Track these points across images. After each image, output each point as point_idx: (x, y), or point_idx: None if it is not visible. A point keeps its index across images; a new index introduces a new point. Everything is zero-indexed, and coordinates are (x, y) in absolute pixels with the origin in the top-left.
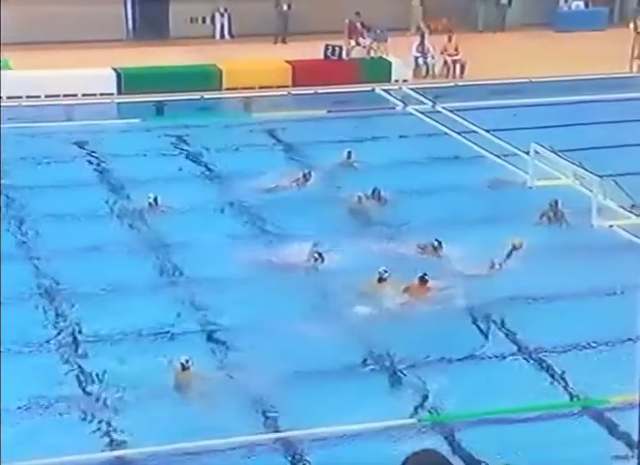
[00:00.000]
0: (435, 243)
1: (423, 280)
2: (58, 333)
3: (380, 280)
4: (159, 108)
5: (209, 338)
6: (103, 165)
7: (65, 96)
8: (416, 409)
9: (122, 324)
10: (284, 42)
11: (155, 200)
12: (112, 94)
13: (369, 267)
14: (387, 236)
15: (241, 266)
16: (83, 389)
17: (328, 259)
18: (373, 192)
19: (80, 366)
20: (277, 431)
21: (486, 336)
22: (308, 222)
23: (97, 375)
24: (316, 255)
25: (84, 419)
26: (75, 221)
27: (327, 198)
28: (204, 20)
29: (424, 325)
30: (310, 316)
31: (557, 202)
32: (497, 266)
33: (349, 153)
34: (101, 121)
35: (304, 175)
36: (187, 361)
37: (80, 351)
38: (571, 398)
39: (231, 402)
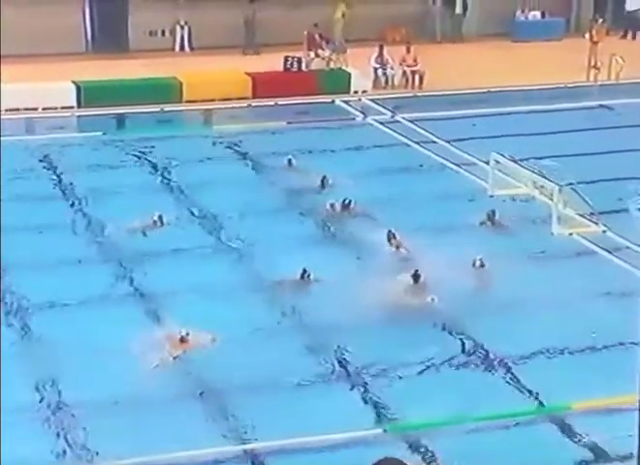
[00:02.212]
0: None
1: None
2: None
3: None
4: (120, 121)
5: None
6: (63, 178)
7: (25, 110)
8: (380, 418)
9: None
10: (257, 53)
11: (160, 217)
12: (72, 107)
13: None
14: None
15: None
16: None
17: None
18: (344, 202)
19: None
20: (242, 443)
21: (446, 344)
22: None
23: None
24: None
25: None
26: (33, 234)
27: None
28: (163, 33)
29: (386, 333)
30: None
31: (494, 212)
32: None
33: (289, 160)
34: (61, 135)
35: None
36: (187, 334)
37: None
38: (536, 405)
39: (195, 413)
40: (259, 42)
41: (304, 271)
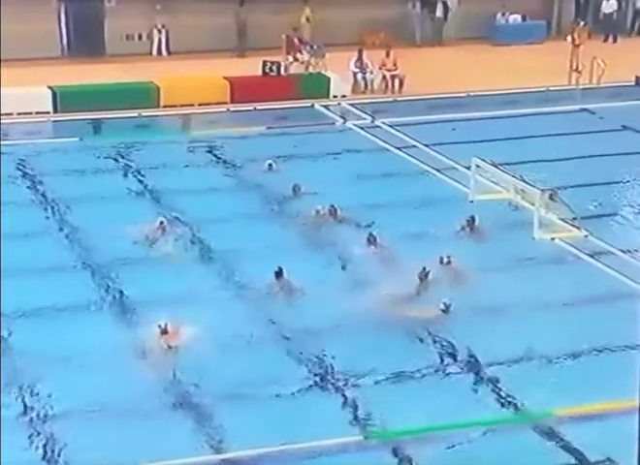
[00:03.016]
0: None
1: None
2: None
3: None
4: (96, 127)
5: None
6: (38, 185)
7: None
8: (362, 426)
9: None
10: (241, 55)
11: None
12: (47, 113)
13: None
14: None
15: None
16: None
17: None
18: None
19: None
20: (221, 452)
21: (429, 351)
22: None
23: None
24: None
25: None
26: (6, 241)
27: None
28: (140, 37)
29: (365, 338)
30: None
31: (473, 218)
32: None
33: (270, 165)
34: (37, 140)
35: None
36: (166, 325)
37: None
38: (517, 412)
39: (176, 421)
40: (231, 47)
41: (280, 272)
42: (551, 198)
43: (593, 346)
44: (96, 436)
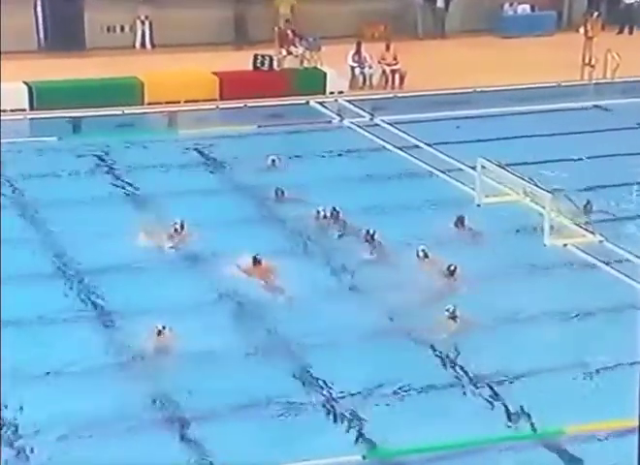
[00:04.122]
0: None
1: None
2: None
3: None
4: (76, 125)
5: None
6: (13, 187)
7: None
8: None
9: None
10: (241, 48)
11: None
12: (23, 110)
13: None
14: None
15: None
16: None
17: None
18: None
19: None
20: None
21: (433, 364)
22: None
23: None
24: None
25: None
26: None
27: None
28: (122, 29)
29: (364, 352)
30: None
31: (462, 218)
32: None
33: (273, 161)
34: (12, 140)
35: None
36: (164, 328)
37: None
38: (530, 429)
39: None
40: (220, 40)
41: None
42: (585, 208)
43: (611, 360)
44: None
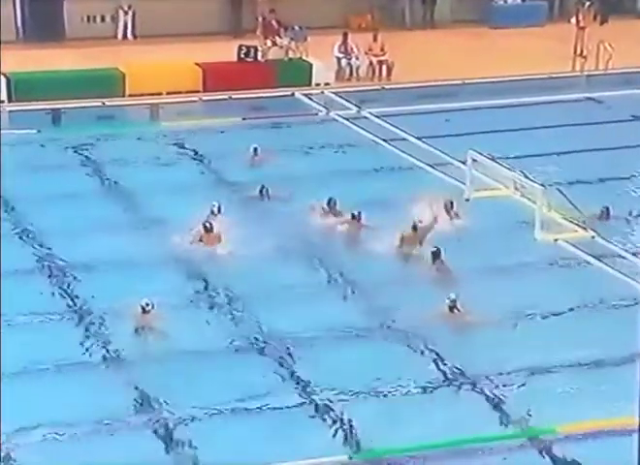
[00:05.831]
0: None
1: None
2: None
3: None
4: (55, 118)
5: None
6: None
7: None
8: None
9: None
10: (237, 36)
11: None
12: (2, 102)
13: None
14: None
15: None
16: None
17: None
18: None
19: None
20: None
21: (424, 364)
22: None
23: None
24: None
25: None
26: None
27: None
28: (103, 19)
29: (355, 353)
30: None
31: (452, 203)
32: None
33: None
34: None
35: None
36: (147, 305)
37: None
38: (519, 428)
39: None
40: (203, 30)
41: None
42: (601, 216)
43: (601, 355)
44: None
